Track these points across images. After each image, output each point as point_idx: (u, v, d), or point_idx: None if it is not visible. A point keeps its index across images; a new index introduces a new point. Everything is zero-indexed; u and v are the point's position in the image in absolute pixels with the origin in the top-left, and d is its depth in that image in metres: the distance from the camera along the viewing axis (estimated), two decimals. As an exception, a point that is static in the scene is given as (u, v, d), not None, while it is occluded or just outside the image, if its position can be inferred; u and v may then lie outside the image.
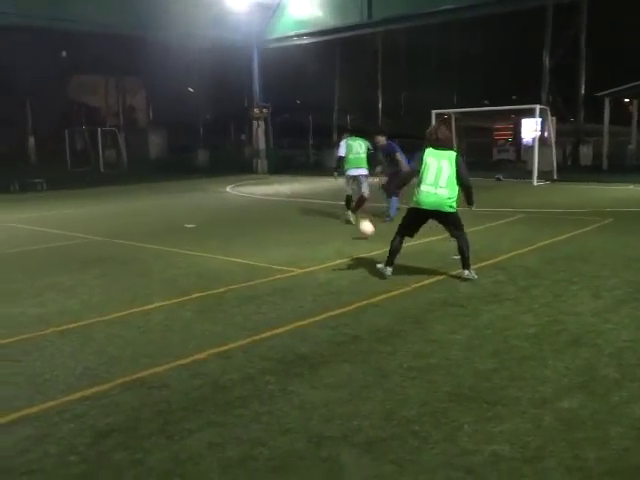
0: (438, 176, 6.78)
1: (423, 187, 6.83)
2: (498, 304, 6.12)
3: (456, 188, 6.88)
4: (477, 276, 7.08)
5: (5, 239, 10.93)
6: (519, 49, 30.70)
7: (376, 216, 10.94)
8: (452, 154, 6.90)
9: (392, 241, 7.24)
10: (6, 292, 6.99)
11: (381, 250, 8.75)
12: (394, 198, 11.47)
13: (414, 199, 7.01)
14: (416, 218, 7.12)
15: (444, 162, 6.81)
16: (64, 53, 32.04)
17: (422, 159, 6.91)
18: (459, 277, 7.11)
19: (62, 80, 38.26)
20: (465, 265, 7.08)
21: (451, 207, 6.87)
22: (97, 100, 40.96)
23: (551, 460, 3.22)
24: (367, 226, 8.59)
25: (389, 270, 7.19)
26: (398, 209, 11.04)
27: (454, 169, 6.82)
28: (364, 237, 8.83)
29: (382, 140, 11.50)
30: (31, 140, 34.31)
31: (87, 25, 23.48)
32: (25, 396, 4.13)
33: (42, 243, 10.36)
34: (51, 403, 4.01)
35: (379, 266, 7.33)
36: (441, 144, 6.94)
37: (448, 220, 7.01)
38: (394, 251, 7.21)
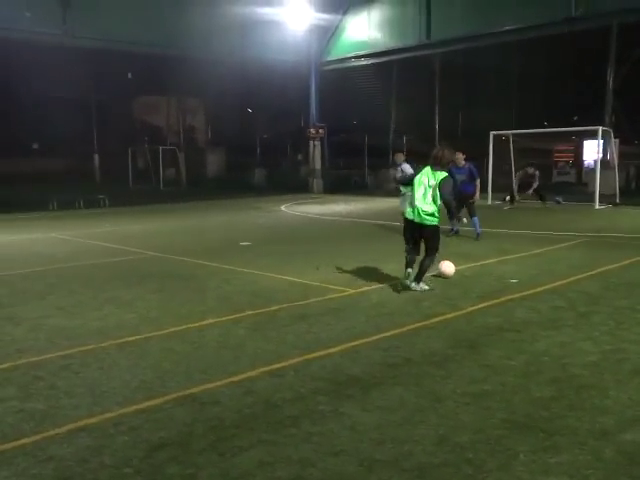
0: (425, 194, 7.47)
1: (413, 202, 7.55)
2: (556, 330, 5.95)
3: (438, 204, 7.50)
4: (427, 287, 7.59)
5: (69, 253, 11.32)
6: (581, 69, 30.06)
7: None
8: (441, 176, 7.48)
9: (405, 252, 7.75)
10: (69, 304, 7.22)
11: (433, 272, 8.66)
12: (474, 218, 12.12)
13: (405, 212, 7.79)
14: (409, 229, 7.72)
15: (432, 182, 7.48)
16: (129, 75, 33.22)
17: (417, 175, 7.65)
18: (407, 288, 7.57)
19: (127, 100, 39.70)
20: (418, 279, 7.59)
21: (432, 221, 7.50)
22: (159, 120, 42.26)
23: (612, 495, 3.10)
24: (449, 266, 8.37)
25: (409, 271, 7.62)
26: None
27: (438, 189, 7.42)
28: (445, 277, 8.34)
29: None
30: (96, 158, 35.63)
31: (151, 48, 24.31)
32: (84, 407, 4.25)
33: (103, 257, 10.68)
34: (108, 415, 4.11)
35: (406, 282, 7.67)
36: (438, 166, 7.55)
37: (428, 232, 7.55)
38: (410, 260, 7.64)
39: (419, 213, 7.47)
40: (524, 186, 19.07)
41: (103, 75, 31.52)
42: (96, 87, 33.93)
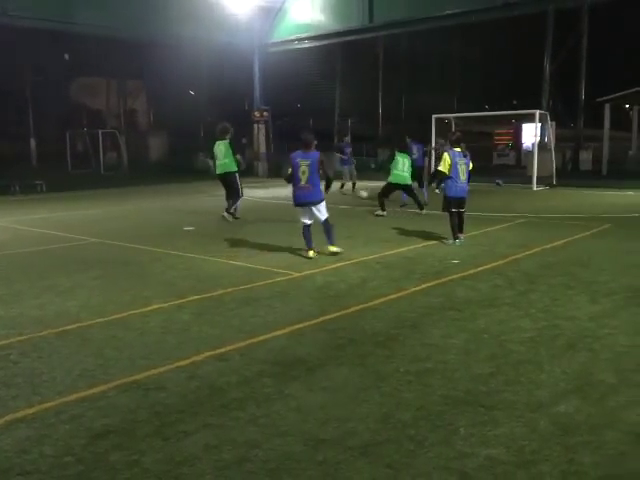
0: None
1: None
2: (495, 308, 6.13)
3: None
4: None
5: (6, 240, 10.94)
6: (520, 53, 30.70)
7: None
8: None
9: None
10: (6, 293, 6.99)
11: (378, 254, 8.78)
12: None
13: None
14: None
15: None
16: (66, 56, 32.09)
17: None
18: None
19: (64, 82, 38.33)
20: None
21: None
22: (98, 102, 41.00)
23: (546, 464, 3.23)
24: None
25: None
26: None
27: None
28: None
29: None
30: (32, 142, 34.33)
31: (89, 28, 23.52)
32: (23, 397, 4.15)
33: (41, 245, 10.37)
34: (48, 404, 4.02)
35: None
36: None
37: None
38: None
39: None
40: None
41: (38, 56, 30.32)
42: (31, 68, 32.63)
